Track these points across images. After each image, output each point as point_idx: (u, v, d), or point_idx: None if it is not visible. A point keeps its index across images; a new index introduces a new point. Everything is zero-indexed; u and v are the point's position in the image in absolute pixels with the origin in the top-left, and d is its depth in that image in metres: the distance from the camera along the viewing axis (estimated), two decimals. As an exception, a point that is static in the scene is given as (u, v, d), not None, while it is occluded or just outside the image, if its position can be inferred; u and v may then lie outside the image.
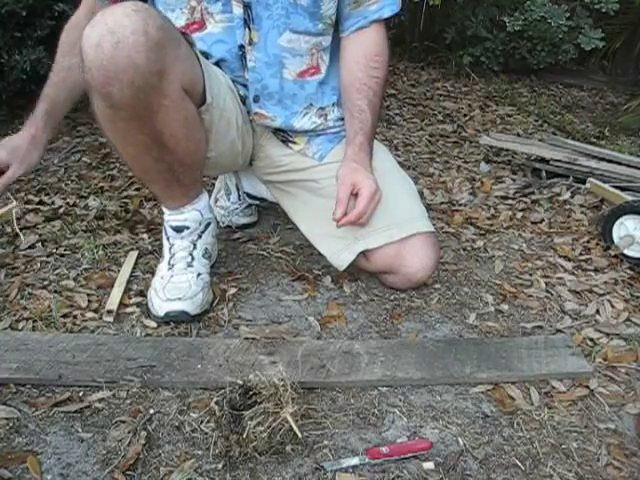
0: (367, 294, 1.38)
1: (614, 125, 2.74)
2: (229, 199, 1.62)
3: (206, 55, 1.26)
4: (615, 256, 1.57)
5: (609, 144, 2.44)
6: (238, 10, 1.21)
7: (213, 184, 1.71)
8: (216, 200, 1.64)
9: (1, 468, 0.89)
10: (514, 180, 2.05)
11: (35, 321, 1.20)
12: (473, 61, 3.19)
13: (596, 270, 1.53)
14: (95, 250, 1.44)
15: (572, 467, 0.96)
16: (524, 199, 1.91)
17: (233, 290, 1.35)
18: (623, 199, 1.72)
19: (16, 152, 1.27)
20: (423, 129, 2.52)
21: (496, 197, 1.92)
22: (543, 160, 2.06)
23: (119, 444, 0.94)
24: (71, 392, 1.04)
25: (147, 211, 1.65)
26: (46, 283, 1.33)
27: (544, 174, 2.05)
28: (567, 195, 1.93)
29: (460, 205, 1.85)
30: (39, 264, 1.40)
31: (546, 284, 1.46)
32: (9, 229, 1.52)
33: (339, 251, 1.33)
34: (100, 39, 0.97)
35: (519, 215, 1.81)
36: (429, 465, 0.94)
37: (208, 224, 1.32)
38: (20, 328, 1.19)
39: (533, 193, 1.96)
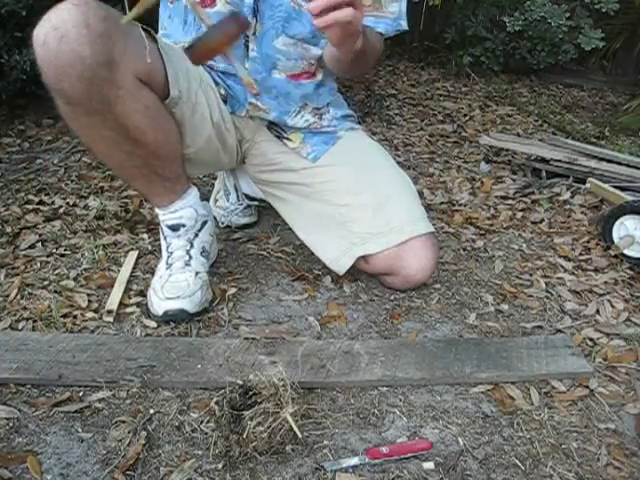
0: (367, 294, 1.38)
1: (614, 125, 2.74)
2: (228, 200, 1.62)
3: None
4: (615, 256, 1.57)
5: (609, 144, 2.44)
6: None
7: (213, 184, 1.71)
8: (215, 201, 1.64)
9: (1, 468, 0.89)
10: (514, 180, 2.05)
11: (35, 321, 1.20)
12: (473, 61, 3.19)
13: (596, 270, 1.53)
14: (95, 250, 1.44)
15: (572, 467, 0.96)
16: (524, 199, 1.91)
17: (233, 290, 1.35)
18: (623, 199, 1.72)
19: None
20: (423, 129, 2.52)
21: (496, 197, 1.92)
22: (543, 160, 2.06)
23: (119, 444, 0.94)
24: (71, 392, 1.04)
25: (147, 211, 1.65)
26: (46, 283, 1.33)
27: (544, 174, 2.05)
28: (567, 195, 1.93)
29: (460, 205, 1.85)
30: (39, 264, 1.40)
31: (546, 284, 1.46)
32: (9, 229, 1.52)
33: (338, 256, 1.33)
34: (45, 36, 0.98)
35: (519, 215, 1.81)
36: (429, 465, 0.94)
37: (204, 222, 1.32)
38: (20, 328, 1.19)
39: (533, 193, 1.96)
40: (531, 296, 1.41)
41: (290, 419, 0.91)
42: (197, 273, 1.26)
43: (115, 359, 1.09)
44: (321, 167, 1.36)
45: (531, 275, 1.50)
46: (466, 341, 1.23)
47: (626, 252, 1.56)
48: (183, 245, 1.28)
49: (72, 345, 1.12)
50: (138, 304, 1.28)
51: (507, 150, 2.22)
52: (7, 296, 1.28)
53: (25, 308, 1.25)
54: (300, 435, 0.92)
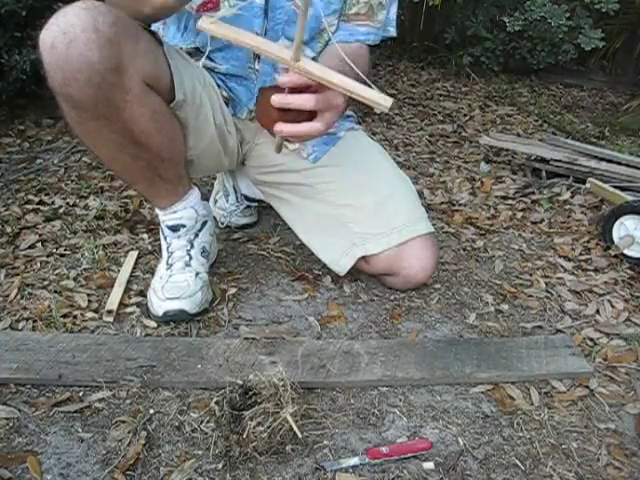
0: (367, 294, 1.38)
1: (614, 125, 2.74)
2: (227, 201, 1.62)
3: (212, 38, 1.25)
4: (615, 256, 1.57)
5: (609, 144, 2.44)
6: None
7: (212, 184, 1.71)
8: (215, 201, 1.64)
9: (1, 468, 0.89)
10: (514, 180, 2.05)
11: (35, 321, 1.20)
12: (473, 61, 3.19)
13: (596, 270, 1.53)
14: (95, 250, 1.44)
15: (572, 467, 0.96)
16: (524, 199, 1.91)
17: (233, 290, 1.35)
18: (623, 199, 1.72)
19: None
20: (423, 129, 2.52)
21: (496, 197, 1.92)
22: (543, 160, 2.06)
23: (119, 444, 0.94)
24: (71, 392, 1.04)
25: (147, 211, 1.65)
26: (46, 283, 1.33)
27: (544, 174, 2.05)
28: (567, 195, 1.93)
29: (460, 205, 1.85)
30: (39, 264, 1.40)
31: (546, 284, 1.46)
32: (9, 229, 1.52)
33: (339, 257, 1.33)
34: (54, 40, 0.97)
35: (519, 215, 1.81)
36: (429, 465, 0.94)
37: (205, 222, 1.32)
38: (20, 328, 1.19)
39: (533, 193, 1.96)
40: (531, 296, 1.41)
41: (290, 419, 0.91)
42: (197, 273, 1.26)
43: (115, 359, 1.09)
44: (322, 168, 1.36)
45: (531, 275, 1.50)
46: (466, 341, 1.23)
47: (626, 252, 1.56)
48: (183, 245, 1.28)
49: (72, 345, 1.12)
50: (138, 304, 1.28)
51: (507, 150, 2.22)
52: (7, 296, 1.28)
53: (25, 308, 1.25)
54: (300, 435, 0.92)
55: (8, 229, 1.53)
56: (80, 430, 0.97)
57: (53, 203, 1.68)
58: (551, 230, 1.73)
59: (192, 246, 1.29)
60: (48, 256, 1.43)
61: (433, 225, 1.37)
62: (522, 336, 1.26)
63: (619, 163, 1.98)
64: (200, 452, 0.94)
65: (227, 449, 0.91)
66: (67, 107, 1.05)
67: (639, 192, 1.82)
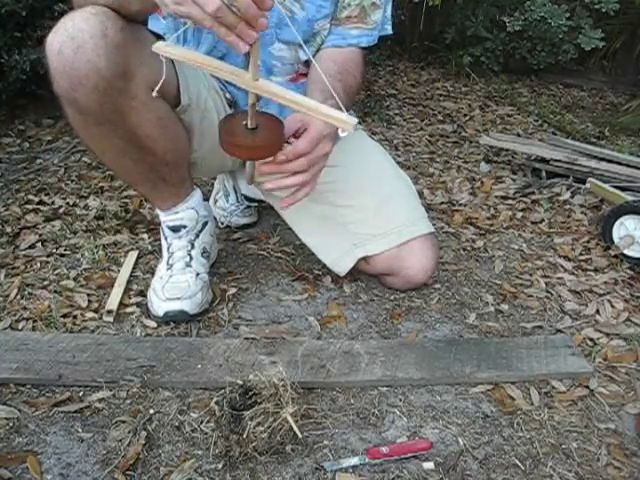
0: (367, 294, 1.38)
1: (614, 125, 2.74)
2: (228, 201, 1.62)
3: (210, 51, 1.25)
4: (615, 256, 1.57)
5: (609, 144, 2.44)
6: None
7: (213, 184, 1.71)
8: (215, 201, 1.64)
9: (1, 468, 0.89)
10: (514, 180, 2.05)
11: (35, 321, 1.20)
12: (473, 61, 3.19)
13: (596, 270, 1.53)
14: (95, 250, 1.44)
15: (572, 467, 0.96)
16: (524, 199, 1.91)
17: (233, 290, 1.35)
18: (623, 199, 1.72)
19: None
20: (423, 129, 2.52)
21: (496, 197, 1.92)
22: (543, 160, 2.06)
23: (119, 444, 0.94)
24: (71, 392, 1.04)
25: (147, 211, 1.65)
26: (46, 283, 1.33)
27: (544, 174, 2.05)
28: (567, 195, 1.93)
29: (460, 205, 1.85)
30: (39, 264, 1.40)
31: (546, 284, 1.46)
32: (9, 229, 1.52)
33: (339, 257, 1.33)
34: (61, 45, 0.96)
35: (519, 215, 1.81)
36: (429, 465, 0.94)
37: (205, 223, 1.32)
38: (20, 328, 1.19)
39: (533, 193, 1.96)
40: (531, 296, 1.41)
41: (290, 419, 0.91)
42: (198, 274, 1.26)
43: (115, 359, 1.09)
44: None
45: (531, 275, 1.50)
46: (466, 341, 1.23)
47: (626, 252, 1.56)
48: (184, 246, 1.28)
49: (72, 345, 1.12)
50: (138, 304, 1.28)
51: (507, 150, 2.22)
52: (7, 296, 1.28)
53: (25, 308, 1.25)
54: (300, 435, 0.92)
55: (8, 229, 1.53)
56: (80, 430, 0.97)
57: (53, 203, 1.68)
58: (551, 230, 1.73)
59: (193, 246, 1.29)
60: (48, 256, 1.43)
61: (433, 225, 1.37)
62: (522, 336, 1.26)
63: (619, 163, 1.98)
64: (200, 452, 0.94)
65: (227, 449, 0.91)
66: (72, 112, 1.05)
67: (639, 192, 1.82)
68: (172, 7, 0.79)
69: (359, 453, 0.95)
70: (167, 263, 1.28)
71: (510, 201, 1.90)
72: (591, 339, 1.27)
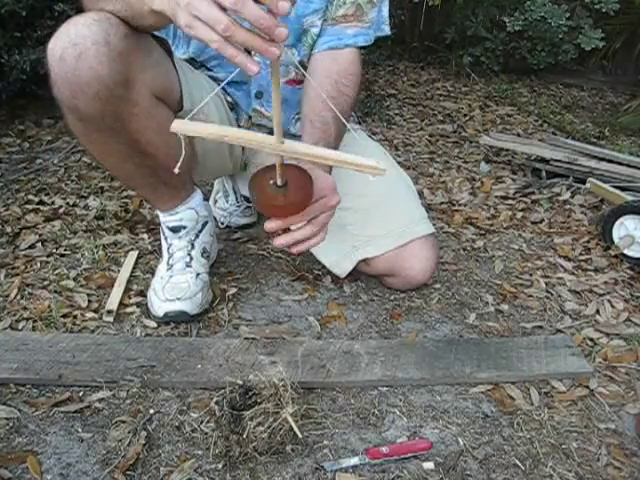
0: (367, 294, 1.38)
1: (614, 125, 2.74)
2: (227, 201, 1.62)
3: (203, 49, 1.25)
4: (615, 256, 1.57)
5: (609, 144, 2.44)
6: None
7: (212, 184, 1.71)
8: (215, 201, 1.64)
9: (1, 468, 0.89)
10: (514, 180, 2.05)
11: (35, 321, 1.20)
12: (473, 61, 3.19)
13: (596, 270, 1.53)
14: (95, 250, 1.44)
15: (572, 467, 0.96)
16: (524, 199, 1.91)
17: (233, 290, 1.35)
18: (623, 199, 1.72)
19: None
20: (423, 129, 2.52)
21: (496, 197, 1.92)
22: (543, 160, 2.06)
23: (119, 444, 0.94)
24: (71, 392, 1.04)
25: (147, 211, 1.65)
26: (46, 283, 1.33)
27: (544, 174, 2.05)
28: (567, 195, 1.93)
29: (460, 205, 1.85)
30: (39, 264, 1.40)
31: (546, 284, 1.46)
32: (9, 229, 1.52)
33: (339, 260, 1.33)
34: (63, 52, 0.95)
35: (519, 215, 1.81)
36: (429, 465, 0.94)
37: (205, 223, 1.32)
38: (20, 328, 1.19)
39: (533, 193, 1.96)
40: (531, 296, 1.41)
41: (290, 419, 0.91)
42: (198, 274, 1.26)
43: (115, 359, 1.09)
44: None
45: (531, 275, 1.50)
46: (466, 341, 1.23)
47: (626, 252, 1.56)
48: (184, 246, 1.28)
49: (72, 345, 1.12)
50: (138, 304, 1.28)
51: (507, 150, 2.22)
52: (7, 296, 1.28)
53: (25, 308, 1.25)
54: (300, 435, 0.92)
55: (8, 229, 1.53)
56: (80, 430, 0.97)
57: (53, 203, 1.68)
58: (551, 230, 1.73)
59: (193, 247, 1.29)
60: (48, 256, 1.43)
61: (433, 225, 1.37)
62: (522, 336, 1.26)
63: (619, 163, 1.98)
64: (200, 452, 0.94)
65: (227, 449, 0.91)
66: (72, 119, 1.04)
67: (639, 192, 1.82)
68: (185, 31, 0.76)
69: (359, 453, 0.95)
70: (167, 263, 1.28)
71: (510, 201, 1.90)
72: (591, 339, 1.27)
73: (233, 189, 1.62)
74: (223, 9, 0.69)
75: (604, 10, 2.88)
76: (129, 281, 1.34)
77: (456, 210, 1.81)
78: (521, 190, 1.97)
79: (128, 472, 0.90)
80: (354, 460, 0.93)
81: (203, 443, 0.95)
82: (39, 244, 1.48)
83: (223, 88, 1.31)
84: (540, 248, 1.64)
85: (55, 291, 1.30)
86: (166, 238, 1.30)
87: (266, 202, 0.91)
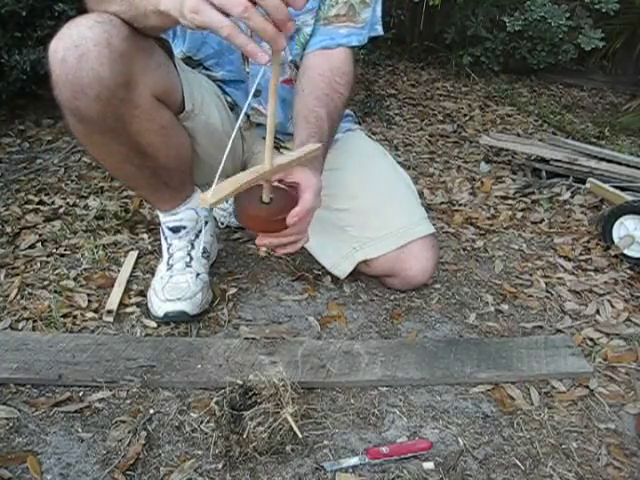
0: (367, 294, 1.38)
1: (614, 125, 2.74)
2: (227, 201, 1.62)
3: (199, 47, 1.25)
4: (615, 256, 1.57)
5: (609, 144, 2.44)
6: None
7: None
8: (215, 201, 1.64)
9: (1, 468, 0.89)
10: (514, 180, 2.05)
11: (35, 321, 1.20)
12: (473, 61, 3.19)
13: (596, 270, 1.53)
14: (95, 250, 1.44)
15: (572, 467, 0.96)
16: (524, 199, 1.91)
17: (233, 290, 1.35)
18: (623, 199, 1.72)
19: None
20: (423, 129, 2.52)
21: (496, 197, 1.92)
22: (543, 160, 2.06)
23: (119, 444, 0.94)
24: (71, 392, 1.04)
25: (147, 211, 1.65)
26: (46, 283, 1.33)
27: (544, 174, 2.05)
28: (567, 195, 1.93)
29: (460, 205, 1.85)
30: (39, 264, 1.40)
31: (546, 284, 1.46)
32: (9, 229, 1.52)
33: (338, 261, 1.33)
34: (65, 53, 0.94)
35: (519, 215, 1.81)
36: (429, 465, 0.94)
37: (205, 223, 1.32)
38: (20, 328, 1.19)
39: (533, 193, 1.96)
40: (531, 296, 1.41)
41: (290, 419, 0.91)
42: (198, 274, 1.26)
43: (115, 359, 1.09)
44: None
45: (531, 275, 1.50)
46: (466, 341, 1.23)
47: (626, 252, 1.56)
48: (184, 246, 1.28)
49: (72, 345, 1.12)
50: (138, 304, 1.28)
51: (507, 150, 2.22)
52: (7, 296, 1.28)
53: (25, 308, 1.25)
54: (300, 435, 0.92)
55: (8, 229, 1.53)
56: (80, 430, 0.97)
57: (53, 203, 1.68)
58: (551, 230, 1.73)
59: (193, 247, 1.29)
60: (48, 256, 1.43)
61: (433, 225, 1.37)
62: (522, 336, 1.26)
63: (619, 163, 1.98)
64: (200, 452, 0.94)
65: (227, 449, 0.91)
66: (73, 120, 1.04)
67: (639, 192, 1.82)
68: (189, 17, 0.76)
69: (359, 453, 0.95)
70: (167, 263, 1.28)
71: (510, 201, 1.90)
72: (591, 339, 1.27)
73: (233, 189, 1.61)
74: None
75: (604, 10, 2.88)
76: (129, 281, 1.34)
77: (456, 210, 1.81)
78: (521, 190, 1.97)
79: (128, 472, 0.90)
80: (354, 460, 0.93)
81: (203, 443, 0.95)
82: (39, 244, 1.48)
83: (222, 88, 1.31)
84: (540, 248, 1.64)
85: (55, 291, 1.30)
86: (166, 238, 1.30)
87: (249, 216, 0.92)
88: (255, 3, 0.71)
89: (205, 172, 1.35)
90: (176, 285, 1.23)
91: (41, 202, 1.68)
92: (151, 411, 1.01)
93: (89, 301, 1.28)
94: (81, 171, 1.89)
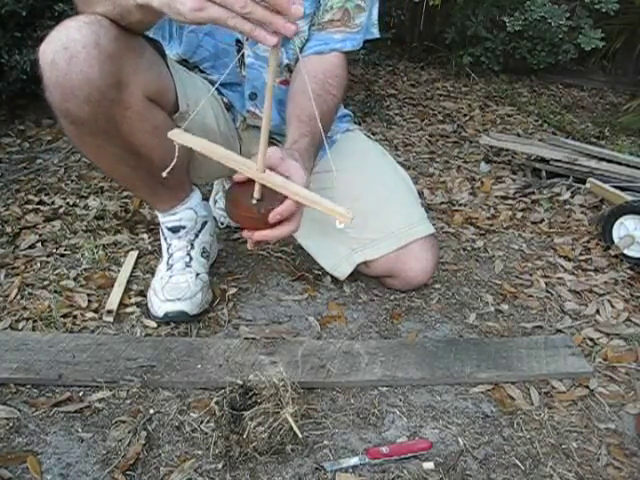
0: (367, 294, 1.38)
1: (614, 125, 2.74)
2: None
3: (195, 50, 1.25)
4: (615, 256, 1.57)
5: (609, 144, 2.44)
6: None
7: (212, 184, 1.71)
8: (215, 202, 1.64)
9: (1, 468, 0.89)
10: (514, 180, 2.05)
11: (35, 321, 1.20)
12: (473, 61, 3.19)
13: (596, 270, 1.53)
14: (95, 250, 1.44)
15: (572, 467, 0.96)
16: (524, 199, 1.91)
17: (233, 290, 1.35)
18: (623, 199, 1.72)
19: None
20: (423, 129, 2.52)
21: (496, 197, 1.92)
22: (543, 160, 2.06)
23: (119, 444, 0.94)
24: (71, 392, 1.04)
25: (147, 211, 1.65)
26: (46, 283, 1.33)
27: (544, 174, 2.05)
28: (567, 195, 1.93)
29: (460, 205, 1.85)
30: (39, 264, 1.40)
31: (546, 284, 1.46)
32: (9, 229, 1.52)
33: (338, 263, 1.33)
34: (54, 56, 0.94)
35: (519, 215, 1.81)
36: (429, 465, 0.94)
37: (205, 222, 1.32)
38: (20, 328, 1.19)
39: (533, 193, 1.96)
40: (531, 296, 1.41)
41: (290, 419, 0.91)
42: (198, 274, 1.26)
43: (115, 359, 1.09)
44: (317, 174, 1.35)
45: (531, 275, 1.50)
46: (466, 341, 1.23)
47: (626, 252, 1.56)
48: (184, 246, 1.28)
49: (72, 345, 1.12)
50: (138, 304, 1.28)
51: (507, 150, 2.22)
52: (7, 296, 1.28)
53: (25, 308, 1.25)
54: (300, 435, 0.92)
55: (8, 229, 1.53)
56: (80, 430, 0.97)
57: (53, 203, 1.68)
58: (551, 230, 1.73)
59: (192, 247, 1.29)
60: (48, 256, 1.43)
61: (433, 225, 1.37)
62: (522, 336, 1.26)
63: (619, 163, 1.98)
64: (200, 452, 0.94)
65: (227, 449, 0.91)
66: (65, 122, 1.04)
67: (639, 192, 1.82)
68: (190, 16, 0.76)
69: (359, 453, 0.95)
70: (167, 263, 1.28)
71: (510, 201, 1.90)
72: (591, 339, 1.27)
73: (233, 190, 1.61)
74: None
75: (604, 10, 2.88)
76: (129, 281, 1.34)
77: (456, 210, 1.81)
78: (521, 190, 1.97)
79: (128, 472, 0.90)
80: (354, 460, 0.93)
81: (203, 443, 0.95)
82: (39, 244, 1.48)
83: (218, 89, 1.31)
84: (540, 248, 1.64)
85: (55, 291, 1.30)
86: (165, 238, 1.30)
87: (240, 213, 0.95)
88: None
89: (202, 172, 1.35)
90: (176, 285, 1.23)
91: (41, 202, 1.68)
92: (151, 411, 1.01)
93: (89, 301, 1.28)
94: (81, 171, 1.89)
